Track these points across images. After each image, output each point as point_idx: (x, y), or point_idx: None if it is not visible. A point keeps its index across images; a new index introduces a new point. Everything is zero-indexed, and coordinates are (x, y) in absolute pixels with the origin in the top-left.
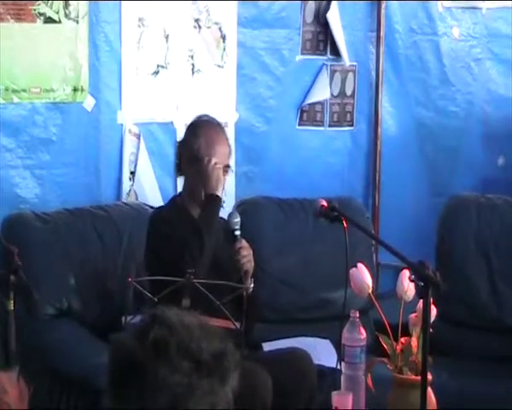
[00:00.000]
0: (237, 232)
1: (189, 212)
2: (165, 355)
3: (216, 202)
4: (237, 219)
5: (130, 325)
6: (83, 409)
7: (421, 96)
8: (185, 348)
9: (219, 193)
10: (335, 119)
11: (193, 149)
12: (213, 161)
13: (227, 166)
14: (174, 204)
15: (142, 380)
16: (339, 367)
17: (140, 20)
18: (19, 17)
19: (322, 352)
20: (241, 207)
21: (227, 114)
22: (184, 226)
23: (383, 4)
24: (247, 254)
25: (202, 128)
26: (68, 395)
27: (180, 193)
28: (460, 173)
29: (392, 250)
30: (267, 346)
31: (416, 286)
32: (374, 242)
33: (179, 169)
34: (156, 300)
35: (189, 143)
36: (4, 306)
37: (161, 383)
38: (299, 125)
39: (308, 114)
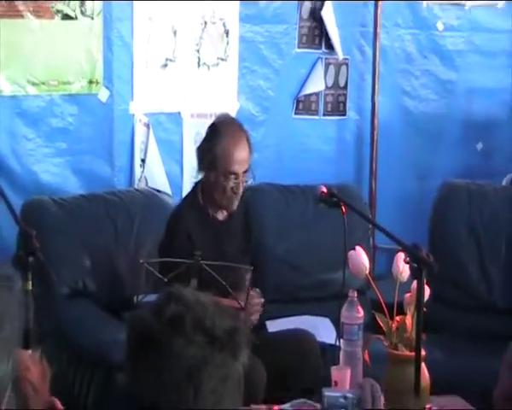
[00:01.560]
0: None
1: (213, 218)
2: (180, 330)
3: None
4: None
5: (142, 303)
6: (97, 383)
7: (407, 86)
8: (200, 323)
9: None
10: (329, 108)
11: (211, 156)
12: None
13: (245, 172)
14: (196, 204)
15: (159, 353)
16: (338, 344)
17: (150, 17)
18: (38, 14)
19: (322, 329)
20: (246, 193)
21: (229, 104)
22: (205, 234)
23: (380, 3)
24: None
25: (222, 135)
26: (84, 371)
27: (202, 185)
28: (441, 158)
29: (388, 234)
30: (270, 324)
31: (411, 268)
32: (370, 226)
33: (199, 166)
34: (166, 280)
35: (208, 147)
36: (23, 286)
37: (177, 355)
38: (296, 114)
39: (304, 104)
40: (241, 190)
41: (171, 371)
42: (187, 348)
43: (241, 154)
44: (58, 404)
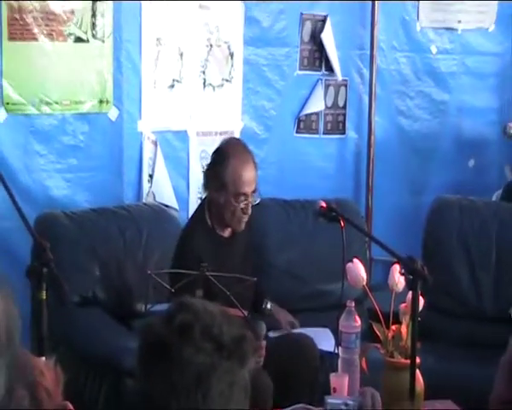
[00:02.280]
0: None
1: (220, 236)
2: (189, 337)
3: None
4: (263, 331)
5: (150, 312)
6: (107, 389)
7: (402, 106)
8: (208, 331)
9: None
10: (329, 127)
11: (221, 179)
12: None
13: (254, 192)
14: (204, 224)
15: (170, 359)
16: (336, 351)
17: (158, 39)
18: (52, 37)
19: (322, 338)
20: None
21: (233, 123)
22: (213, 250)
23: (376, 27)
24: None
25: (230, 158)
26: (94, 376)
27: (208, 203)
28: (435, 174)
29: (384, 246)
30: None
31: (406, 279)
32: (367, 239)
33: (206, 187)
34: (173, 291)
35: (216, 171)
36: (37, 296)
37: (186, 362)
38: (297, 132)
39: (305, 123)
40: (250, 210)
41: (181, 376)
42: (196, 355)
43: (249, 175)
44: (70, 407)
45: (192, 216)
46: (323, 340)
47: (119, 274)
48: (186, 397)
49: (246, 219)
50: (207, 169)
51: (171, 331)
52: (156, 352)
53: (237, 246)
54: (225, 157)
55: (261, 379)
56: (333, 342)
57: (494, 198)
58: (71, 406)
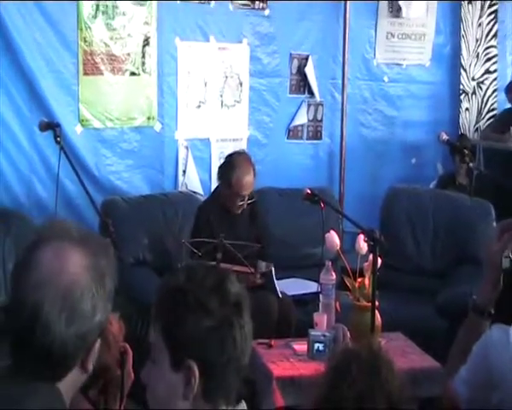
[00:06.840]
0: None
1: (228, 209)
2: (223, 295)
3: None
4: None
5: None
6: None
7: (363, 120)
8: (228, 292)
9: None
10: (310, 135)
11: (229, 181)
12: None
13: (250, 192)
14: (217, 200)
15: (185, 304)
16: (319, 290)
17: (188, 72)
18: (114, 72)
19: (310, 285)
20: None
21: (242, 132)
22: (222, 220)
23: (346, 64)
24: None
25: (236, 167)
26: (143, 319)
27: (220, 191)
28: (387, 169)
29: (352, 221)
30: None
31: (368, 245)
32: (340, 216)
33: (219, 179)
34: (200, 254)
35: (227, 174)
36: None
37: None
38: (287, 139)
39: (293, 132)
40: (245, 204)
41: (195, 319)
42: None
43: (248, 181)
44: (128, 348)
45: (208, 196)
46: (311, 286)
47: (162, 242)
48: (219, 342)
49: (242, 208)
50: (220, 167)
51: (193, 284)
52: (174, 297)
53: (242, 218)
54: (234, 166)
55: (270, 300)
56: (316, 285)
57: (431, 186)
58: (128, 347)
